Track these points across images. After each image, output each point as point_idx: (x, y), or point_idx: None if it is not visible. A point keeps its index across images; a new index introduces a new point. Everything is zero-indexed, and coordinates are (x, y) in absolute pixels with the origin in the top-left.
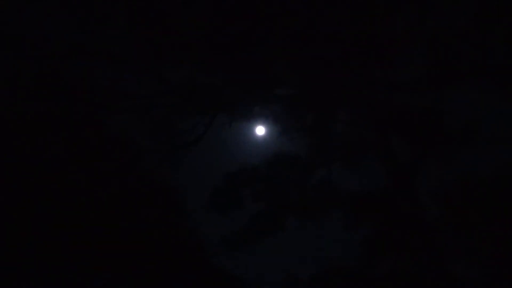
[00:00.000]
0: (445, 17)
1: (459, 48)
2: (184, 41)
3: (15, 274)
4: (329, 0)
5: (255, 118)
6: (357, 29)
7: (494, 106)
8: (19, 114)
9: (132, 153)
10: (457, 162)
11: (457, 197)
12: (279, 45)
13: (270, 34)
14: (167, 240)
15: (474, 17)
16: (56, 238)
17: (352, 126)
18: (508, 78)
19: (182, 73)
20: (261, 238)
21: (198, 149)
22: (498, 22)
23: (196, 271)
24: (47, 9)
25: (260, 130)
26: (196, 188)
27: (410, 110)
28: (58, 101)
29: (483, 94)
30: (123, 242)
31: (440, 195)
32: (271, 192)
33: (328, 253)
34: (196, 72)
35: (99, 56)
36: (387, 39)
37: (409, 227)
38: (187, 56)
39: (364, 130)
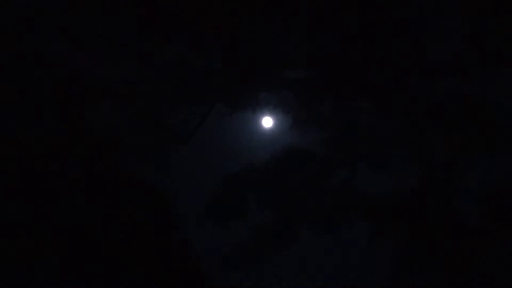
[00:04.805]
0: None
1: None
2: (173, 13)
3: None
4: None
5: (260, 107)
6: None
7: None
8: None
9: (112, 151)
10: (506, 161)
11: (505, 204)
12: (290, 17)
13: (279, 2)
14: (155, 257)
15: None
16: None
17: (380, 117)
18: None
19: (171, 52)
20: (269, 254)
21: (192, 145)
22: None
23: None
24: None
25: (267, 122)
26: (190, 193)
27: (450, 98)
28: (21, 91)
29: None
30: (103, 261)
31: (485, 201)
32: (280, 198)
33: (351, 271)
34: (188, 51)
35: (68, 34)
36: (423, 10)
37: (448, 239)
38: (177, 32)
39: (394, 122)
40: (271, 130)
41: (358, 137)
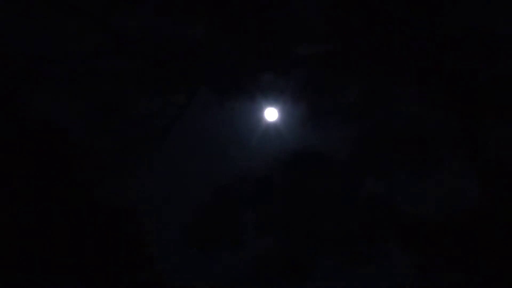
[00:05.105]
0: None
1: None
2: None
3: None
4: None
5: (262, 94)
6: None
7: None
8: None
9: (62, 154)
10: None
11: None
12: None
13: None
14: None
15: None
16: None
17: (425, 107)
18: None
19: (141, 20)
20: None
21: (169, 146)
22: None
23: None
24: None
25: (270, 114)
26: (167, 212)
27: None
28: None
29: None
30: None
31: None
32: (288, 219)
33: None
34: (164, 18)
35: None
36: None
37: None
38: None
39: (442, 113)
40: (275, 126)
41: (396, 135)
